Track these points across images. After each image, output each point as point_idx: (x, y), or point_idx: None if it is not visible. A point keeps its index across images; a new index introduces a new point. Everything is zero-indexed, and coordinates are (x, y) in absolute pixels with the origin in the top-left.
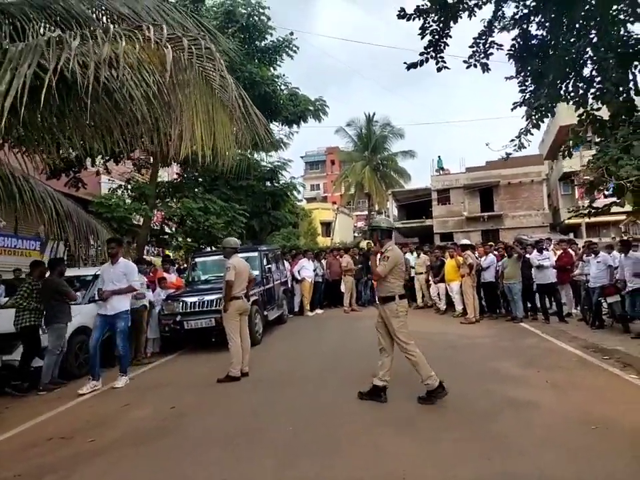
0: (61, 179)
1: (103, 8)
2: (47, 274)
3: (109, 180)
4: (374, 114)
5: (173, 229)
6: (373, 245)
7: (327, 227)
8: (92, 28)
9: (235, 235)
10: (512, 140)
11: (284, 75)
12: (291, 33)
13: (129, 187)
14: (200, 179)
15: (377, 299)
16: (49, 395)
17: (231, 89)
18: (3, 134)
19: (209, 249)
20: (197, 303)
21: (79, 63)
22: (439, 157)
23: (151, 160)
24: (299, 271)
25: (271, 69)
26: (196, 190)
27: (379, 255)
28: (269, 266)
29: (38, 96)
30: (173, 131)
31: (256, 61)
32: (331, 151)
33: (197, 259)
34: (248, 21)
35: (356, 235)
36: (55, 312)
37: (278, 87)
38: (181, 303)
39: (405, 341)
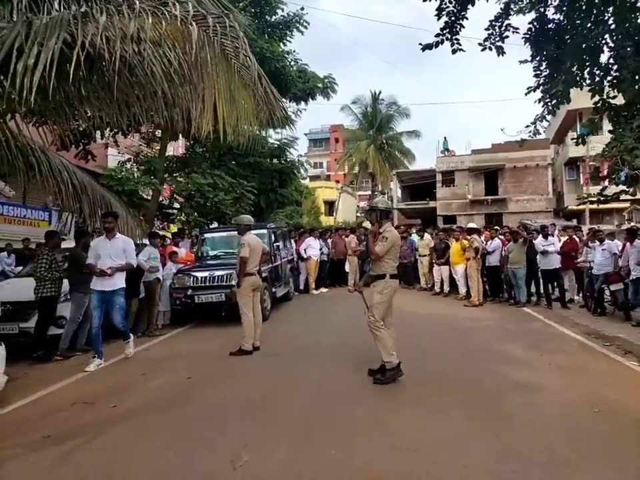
0: (70, 151)
1: None
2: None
3: (119, 153)
4: (380, 92)
5: (179, 204)
6: (371, 225)
7: (330, 205)
8: (116, 2)
9: (243, 212)
10: (527, 126)
11: (294, 51)
12: (302, 8)
13: (138, 160)
14: (207, 155)
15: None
16: (66, 362)
17: (254, 68)
18: (25, 108)
19: (216, 225)
20: (208, 278)
21: (104, 37)
22: (445, 138)
23: (159, 134)
24: (305, 250)
25: (281, 44)
26: (204, 165)
27: (377, 236)
28: (277, 244)
29: (61, 69)
30: (194, 108)
31: (266, 36)
32: (335, 128)
33: (206, 235)
34: None
35: (359, 214)
36: (77, 282)
37: (288, 63)
38: (192, 278)
39: (377, 317)
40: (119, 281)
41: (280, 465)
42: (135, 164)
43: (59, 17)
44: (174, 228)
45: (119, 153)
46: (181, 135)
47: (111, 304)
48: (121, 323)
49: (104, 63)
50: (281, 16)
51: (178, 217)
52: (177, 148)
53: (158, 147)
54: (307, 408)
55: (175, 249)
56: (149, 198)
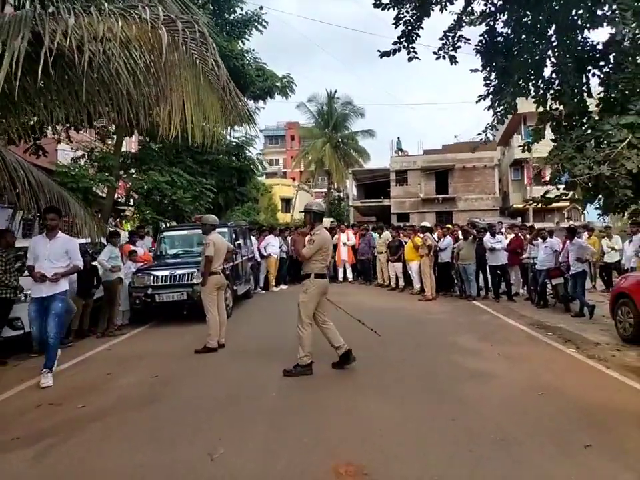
0: (19, 147)
1: None
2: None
3: (72, 149)
4: (335, 91)
5: (135, 202)
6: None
7: (287, 203)
8: (83, 3)
9: (202, 210)
10: (479, 134)
11: (253, 50)
12: (261, 7)
13: (93, 156)
14: (163, 151)
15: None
16: (24, 364)
17: (222, 73)
18: None
19: (174, 223)
20: (169, 277)
21: (72, 39)
22: (398, 138)
23: (113, 129)
24: (265, 247)
25: (240, 42)
26: (161, 162)
27: (307, 237)
28: (238, 242)
29: (25, 67)
30: (161, 109)
31: (224, 34)
32: (291, 125)
33: (165, 234)
34: None
35: None
36: None
37: (247, 62)
38: (152, 277)
39: (303, 316)
40: (61, 284)
41: (256, 455)
42: (89, 160)
43: (22, 14)
44: (127, 226)
45: (71, 149)
46: (136, 131)
47: (47, 309)
48: (52, 333)
49: (67, 60)
50: (240, 14)
51: (135, 215)
52: (129, 143)
53: (111, 143)
54: (277, 400)
55: (132, 247)
56: (104, 195)
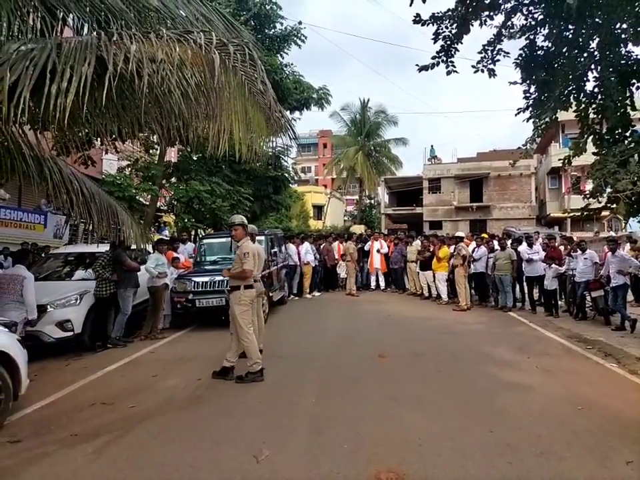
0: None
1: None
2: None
3: (118, 159)
4: (368, 100)
5: (176, 210)
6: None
7: (319, 210)
8: (140, 27)
9: None
10: (519, 147)
11: (292, 64)
12: (300, 22)
13: (137, 166)
14: (203, 161)
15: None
16: (75, 365)
17: (269, 94)
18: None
19: (211, 231)
20: (209, 283)
21: (134, 64)
22: (432, 146)
23: (157, 140)
24: (305, 254)
25: (279, 56)
26: (201, 172)
27: (239, 252)
28: (274, 250)
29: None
30: (210, 128)
31: (264, 49)
32: (323, 134)
33: (205, 241)
34: (260, 9)
35: (346, 219)
36: (122, 279)
37: (285, 76)
38: (193, 282)
39: (243, 326)
40: None
41: (299, 458)
42: (133, 170)
43: (87, 40)
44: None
45: (118, 159)
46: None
47: None
48: None
49: (125, 81)
50: (280, 29)
51: (176, 222)
52: (169, 153)
53: (153, 152)
54: (316, 406)
55: (175, 254)
56: (147, 203)
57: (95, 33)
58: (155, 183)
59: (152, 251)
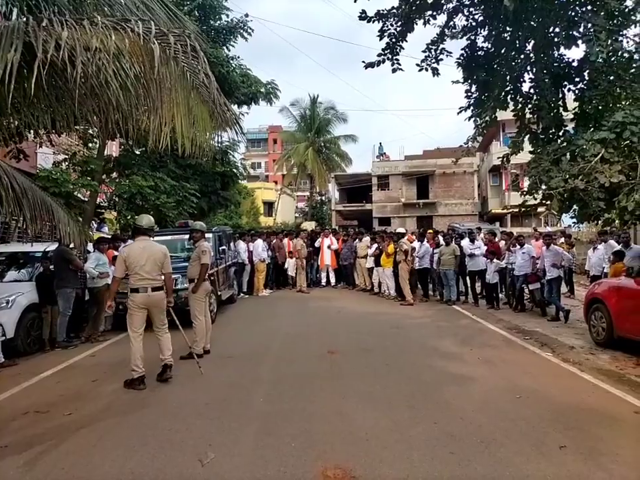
0: None
1: None
2: None
3: (54, 153)
4: (318, 95)
5: (117, 206)
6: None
7: (270, 206)
8: (75, 14)
9: (185, 215)
10: (460, 146)
11: (238, 57)
12: (246, 15)
13: (75, 160)
14: (146, 156)
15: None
16: (8, 371)
17: (213, 87)
18: None
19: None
20: None
21: (66, 51)
22: (380, 143)
23: (95, 133)
24: (257, 252)
25: (225, 49)
26: (144, 167)
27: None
28: (223, 247)
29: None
30: (151, 120)
31: (210, 41)
32: (273, 129)
33: None
34: (204, 0)
35: (297, 215)
36: (63, 277)
37: (232, 68)
38: None
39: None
40: None
41: (246, 459)
42: (71, 164)
43: (14, 25)
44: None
45: (52, 152)
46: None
47: None
48: None
49: (57, 70)
50: (225, 21)
51: (118, 219)
52: (110, 147)
53: (92, 146)
54: (264, 405)
55: (115, 252)
56: (86, 199)
57: (23, 17)
58: (94, 178)
59: (92, 250)
